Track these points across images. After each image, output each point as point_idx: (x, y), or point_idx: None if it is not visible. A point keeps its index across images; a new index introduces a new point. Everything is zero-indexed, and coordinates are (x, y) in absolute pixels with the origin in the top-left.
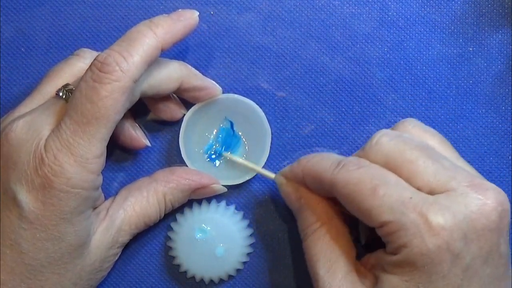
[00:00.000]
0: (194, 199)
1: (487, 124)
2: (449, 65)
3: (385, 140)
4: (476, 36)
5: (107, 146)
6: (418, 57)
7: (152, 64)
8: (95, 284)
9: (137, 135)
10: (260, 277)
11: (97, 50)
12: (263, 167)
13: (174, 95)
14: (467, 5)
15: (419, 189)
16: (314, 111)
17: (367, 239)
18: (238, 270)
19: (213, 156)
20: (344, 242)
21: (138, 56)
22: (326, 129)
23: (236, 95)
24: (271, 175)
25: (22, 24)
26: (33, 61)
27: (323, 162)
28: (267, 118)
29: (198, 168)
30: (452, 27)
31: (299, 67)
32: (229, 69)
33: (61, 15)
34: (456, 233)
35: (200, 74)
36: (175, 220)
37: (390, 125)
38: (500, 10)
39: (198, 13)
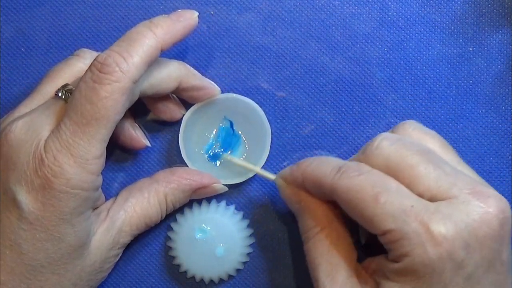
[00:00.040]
0: (194, 199)
1: (487, 124)
2: (449, 65)
3: (385, 145)
4: (476, 36)
5: (107, 147)
6: (418, 57)
7: (152, 64)
8: (95, 285)
9: (137, 135)
10: (260, 277)
11: (97, 50)
12: (263, 166)
13: (174, 95)
14: (467, 5)
15: (420, 195)
16: (314, 111)
17: (367, 240)
18: (238, 270)
19: (212, 154)
20: (345, 245)
21: (138, 57)
22: (326, 129)
23: (235, 95)
24: (272, 176)
25: (22, 24)
26: (33, 61)
27: (323, 167)
28: (267, 118)
29: (198, 168)
30: (452, 27)
31: (299, 67)
32: (229, 69)
33: (61, 15)
34: (458, 242)
35: (198, 74)
36: (175, 220)
37: (390, 125)
38: (500, 10)
39: (198, 14)
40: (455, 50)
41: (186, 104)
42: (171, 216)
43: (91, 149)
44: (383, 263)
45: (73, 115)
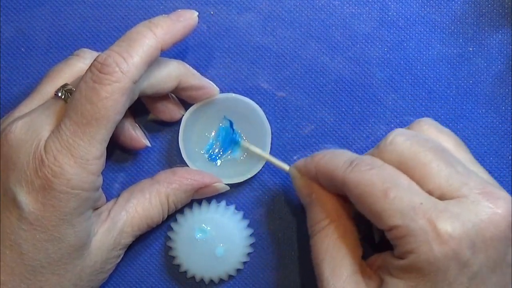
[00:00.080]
0: (194, 199)
1: (487, 124)
2: (449, 65)
3: (400, 140)
4: (476, 36)
5: (107, 147)
6: (418, 57)
7: (152, 64)
8: (96, 286)
9: (137, 135)
10: (260, 277)
11: (97, 50)
12: (263, 166)
13: (173, 95)
14: (467, 5)
15: (430, 192)
16: (314, 111)
17: (380, 238)
18: (238, 270)
19: (212, 153)
20: (351, 241)
21: (138, 57)
22: (326, 129)
23: (235, 94)
24: (286, 167)
25: (22, 24)
26: (33, 61)
27: (336, 160)
28: (267, 118)
29: (199, 168)
30: (452, 27)
31: (299, 67)
32: (229, 69)
33: (61, 15)
34: (464, 242)
35: (198, 74)
36: (175, 220)
37: (390, 125)
38: (500, 10)
39: (198, 14)
40: (455, 50)
41: (186, 104)
42: (171, 216)
43: (92, 150)
44: (389, 259)
45: (73, 115)
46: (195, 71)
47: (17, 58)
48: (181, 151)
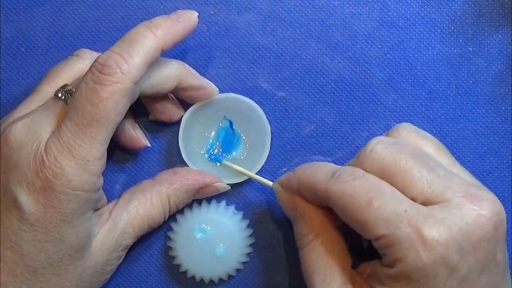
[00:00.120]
0: (194, 199)
1: (487, 124)
2: (449, 65)
3: (379, 148)
4: (476, 36)
5: (108, 147)
6: (418, 57)
7: (152, 65)
8: (97, 287)
9: (137, 136)
10: (260, 277)
11: (97, 51)
12: (263, 166)
13: (173, 96)
14: (467, 5)
15: (413, 198)
16: (314, 111)
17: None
18: (238, 270)
19: (212, 156)
20: (339, 252)
21: (139, 58)
22: (326, 129)
23: (235, 94)
24: (269, 183)
25: (22, 24)
26: (33, 61)
27: (318, 172)
28: (267, 118)
29: (199, 168)
30: (452, 27)
31: (299, 67)
32: (229, 69)
33: (61, 15)
34: (452, 246)
35: (197, 74)
36: (175, 220)
37: (390, 125)
38: (500, 10)
39: (198, 14)
40: (455, 50)
41: (185, 105)
42: (171, 216)
43: (92, 150)
44: (378, 268)
45: (74, 116)
46: (194, 71)
47: (17, 58)
48: (181, 151)
